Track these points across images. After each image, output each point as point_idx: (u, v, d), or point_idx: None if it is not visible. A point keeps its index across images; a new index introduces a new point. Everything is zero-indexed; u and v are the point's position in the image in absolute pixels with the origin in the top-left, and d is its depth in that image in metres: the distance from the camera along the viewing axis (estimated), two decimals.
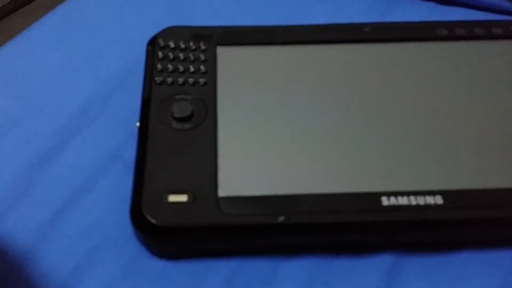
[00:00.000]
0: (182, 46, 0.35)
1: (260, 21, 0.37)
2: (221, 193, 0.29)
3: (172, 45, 0.35)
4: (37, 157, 0.33)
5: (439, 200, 0.28)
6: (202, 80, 0.33)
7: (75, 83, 0.36)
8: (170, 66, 0.34)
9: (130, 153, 0.31)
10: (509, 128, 0.31)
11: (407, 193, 0.28)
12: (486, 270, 0.29)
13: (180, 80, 0.33)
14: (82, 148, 0.33)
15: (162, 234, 0.28)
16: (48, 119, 0.34)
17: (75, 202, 0.31)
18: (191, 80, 0.33)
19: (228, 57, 0.34)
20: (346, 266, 0.29)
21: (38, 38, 0.39)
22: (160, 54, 0.34)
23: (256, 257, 0.29)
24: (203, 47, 0.35)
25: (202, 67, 0.34)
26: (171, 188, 0.29)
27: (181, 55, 0.34)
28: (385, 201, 0.28)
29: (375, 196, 0.28)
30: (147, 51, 0.35)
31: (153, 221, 0.28)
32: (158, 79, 0.33)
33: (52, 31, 0.39)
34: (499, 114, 0.32)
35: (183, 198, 0.29)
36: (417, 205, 0.28)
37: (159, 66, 0.34)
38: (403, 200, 0.28)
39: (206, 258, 0.29)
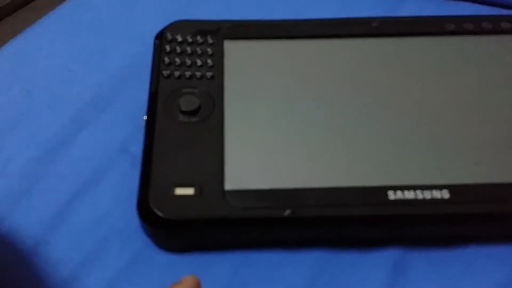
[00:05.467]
0: (189, 40, 0.35)
1: (267, 15, 0.37)
2: (228, 186, 0.29)
3: (179, 39, 0.35)
4: (45, 150, 0.33)
5: (445, 194, 0.28)
6: (209, 74, 0.33)
7: (83, 77, 0.36)
8: (177, 60, 0.34)
9: (137, 146, 0.32)
10: None
11: (414, 187, 0.28)
12: (493, 265, 0.29)
13: (187, 73, 0.33)
14: (90, 142, 0.33)
15: (168, 227, 0.28)
16: (56, 113, 0.34)
17: (82, 195, 0.31)
18: (198, 73, 0.33)
19: (234, 51, 0.34)
20: (353, 260, 0.29)
21: (46, 32, 0.39)
22: (167, 48, 0.34)
23: (263, 250, 0.29)
24: (210, 41, 0.35)
25: (209, 61, 0.34)
26: (178, 181, 0.29)
27: (188, 49, 0.34)
28: (391, 195, 0.28)
29: (382, 190, 0.28)
30: (155, 45, 0.35)
31: (160, 214, 0.28)
32: (166, 72, 0.33)
33: (59, 25, 0.39)
34: (506, 109, 0.32)
35: (189, 191, 0.29)
36: (424, 199, 0.28)
37: (166, 59, 0.34)
38: (409, 194, 0.28)
39: (212, 251, 0.29)
